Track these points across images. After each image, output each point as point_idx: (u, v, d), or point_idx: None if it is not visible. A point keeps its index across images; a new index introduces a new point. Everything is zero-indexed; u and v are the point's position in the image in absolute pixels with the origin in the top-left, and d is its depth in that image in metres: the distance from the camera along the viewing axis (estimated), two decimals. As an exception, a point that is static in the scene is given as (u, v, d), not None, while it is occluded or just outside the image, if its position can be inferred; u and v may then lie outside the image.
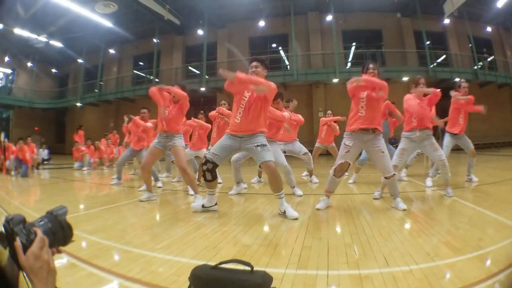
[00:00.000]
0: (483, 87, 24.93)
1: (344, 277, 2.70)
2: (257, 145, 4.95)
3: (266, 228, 4.43)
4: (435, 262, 2.91)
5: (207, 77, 25.75)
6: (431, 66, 23.71)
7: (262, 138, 5.05)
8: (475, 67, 24.52)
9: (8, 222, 1.08)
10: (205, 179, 5.15)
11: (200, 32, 27.16)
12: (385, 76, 22.70)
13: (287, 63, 27.05)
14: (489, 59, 26.21)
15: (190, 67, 28.79)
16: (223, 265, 2.00)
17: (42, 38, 28.32)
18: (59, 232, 1.17)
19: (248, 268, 1.97)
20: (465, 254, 3.09)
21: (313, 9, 25.80)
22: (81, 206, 6.46)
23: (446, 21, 24.20)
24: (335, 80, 23.25)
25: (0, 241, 1.07)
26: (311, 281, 2.64)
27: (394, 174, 5.41)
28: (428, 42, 24.12)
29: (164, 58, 29.24)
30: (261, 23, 25.98)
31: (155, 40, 27.62)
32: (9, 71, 32.86)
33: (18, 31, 25.67)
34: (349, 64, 26.44)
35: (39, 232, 1.10)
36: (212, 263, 2.03)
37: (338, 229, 4.26)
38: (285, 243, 3.65)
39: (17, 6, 22.36)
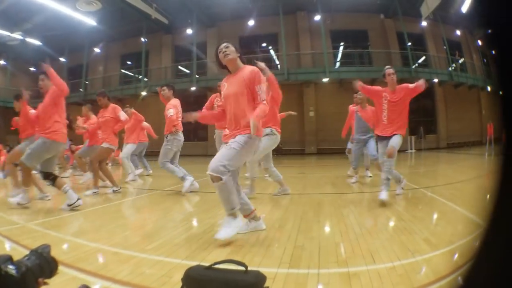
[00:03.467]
0: (457, 88, 26.03)
1: (334, 276, 2.73)
2: None
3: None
4: (415, 258, 3.03)
5: (197, 76, 25.69)
6: (413, 66, 24.37)
7: None
8: (450, 69, 25.34)
9: None
10: None
11: (189, 31, 27.11)
12: (372, 76, 23.12)
13: (277, 62, 27.11)
14: (460, 61, 27.06)
15: (180, 67, 28.73)
16: (217, 266, 1.99)
17: (17, 36, 27.43)
18: (46, 266, 1.26)
19: (242, 268, 1.96)
20: (440, 249, 3.22)
21: (301, 9, 25.95)
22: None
23: (424, 23, 24.80)
24: (325, 80, 23.39)
25: None
26: (302, 280, 2.65)
27: None
28: (409, 44, 24.80)
29: (152, 57, 29.13)
30: (251, 22, 26.02)
31: (142, 39, 27.41)
32: None
33: None
34: (338, 63, 26.60)
35: None
36: (205, 264, 2.01)
37: (329, 228, 4.28)
38: (277, 243, 3.63)
39: None
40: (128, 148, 10.38)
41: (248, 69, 4.03)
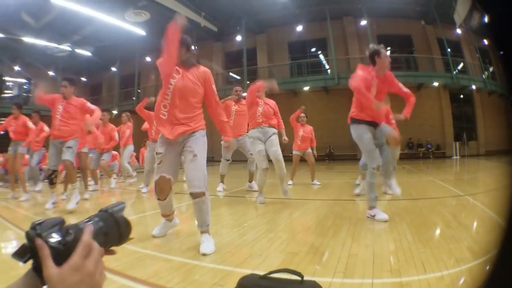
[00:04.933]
0: (490, 96, 25.76)
1: (387, 285, 2.66)
2: None
3: (312, 235, 4.32)
4: (460, 267, 2.96)
5: (248, 82, 25.86)
6: (454, 72, 24.24)
7: None
8: (483, 76, 25.08)
9: (34, 228, 0.81)
10: None
11: (238, 38, 27.36)
12: (419, 80, 22.84)
13: (327, 67, 26.96)
14: (490, 69, 26.33)
15: (231, 73, 29.01)
16: (272, 275, 1.94)
17: (65, 47, 28.22)
18: (114, 231, 0.95)
19: (298, 278, 1.90)
20: (479, 258, 3.06)
21: (347, 14, 25.83)
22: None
23: (458, 30, 24.56)
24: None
25: (19, 255, 0.81)
26: (356, 290, 2.57)
27: None
28: (449, 50, 24.58)
29: (204, 65, 29.29)
30: (299, 28, 26.07)
31: (193, 47, 27.67)
32: (23, 80, 32.77)
33: (29, 40, 25.33)
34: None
35: (86, 236, 0.84)
36: (258, 272, 1.97)
37: (383, 236, 4.15)
38: (331, 251, 3.54)
39: (22, 15, 21.98)
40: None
41: None
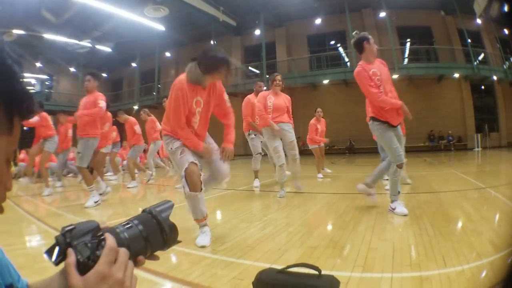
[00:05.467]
0: None
1: (406, 280, 2.63)
2: None
3: (332, 229, 4.33)
4: (481, 260, 2.93)
5: (267, 76, 25.86)
6: (475, 63, 23.68)
7: None
8: (504, 66, 24.52)
9: (64, 234, 0.75)
10: None
11: (257, 32, 27.34)
12: (440, 72, 22.48)
13: (346, 60, 26.85)
14: (511, 59, 25.85)
15: (250, 67, 29.03)
16: (289, 269, 1.94)
17: (86, 43, 28.53)
18: (156, 235, 0.87)
19: (315, 272, 1.91)
20: (502, 251, 3.02)
21: (365, 6, 25.60)
22: (139, 209, 6.62)
23: (478, 21, 24.01)
24: (395, 76, 22.90)
25: (50, 254, 0.75)
26: (375, 285, 2.57)
27: None
28: (469, 40, 24.02)
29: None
30: (318, 21, 25.96)
31: (212, 42, 27.78)
32: (44, 77, 33.45)
33: (49, 36, 25.63)
34: (405, 60, 26.02)
35: (109, 241, 0.77)
36: (277, 266, 1.97)
37: (403, 230, 4.11)
38: (351, 245, 3.54)
39: (42, 12, 22.25)
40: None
41: None
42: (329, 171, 10.16)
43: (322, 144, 10.14)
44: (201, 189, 3.69)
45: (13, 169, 13.19)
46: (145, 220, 0.87)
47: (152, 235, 0.86)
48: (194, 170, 3.65)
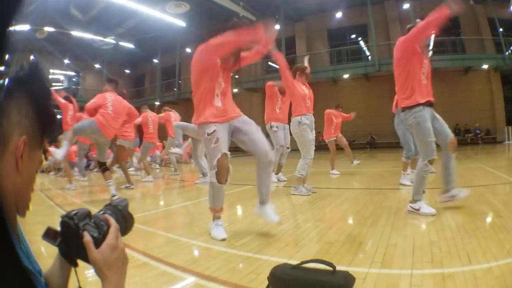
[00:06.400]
0: None
1: (427, 277, 2.55)
2: None
3: (350, 224, 4.29)
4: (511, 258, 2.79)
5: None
6: (506, 53, 22.79)
7: None
8: None
9: (71, 217, 0.98)
10: None
11: (277, 26, 27.29)
12: (466, 64, 21.92)
13: (367, 53, 26.61)
14: None
15: (269, 62, 29.00)
16: (304, 265, 1.94)
17: (110, 40, 29.03)
18: (121, 223, 1.10)
19: (330, 268, 1.89)
20: None
21: (388, -2, 25.14)
22: (161, 203, 6.70)
23: None
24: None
25: (51, 238, 0.98)
26: (394, 281, 2.50)
27: None
28: (501, 29, 23.12)
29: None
30: (338, 15, 25.75)
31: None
32: (72, 73, 34.15)
33: (77, 34, 26.19)
34: (430, 52, 25.58)
35: (113, 221, 1.04)
36: (293, 261, 1.96)
37: (424, 226, 4.04)
38: (369, 241, 3.49)
39: (71, 9, 22.79)
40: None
41: None
42: (357, 162, 9.92)
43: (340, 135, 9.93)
44: (226, 181, 3.76)
45: (44, 163, 13.88)
46: (113, 211, 1.11)
47: (119, 221, 1.08)
48: (224, 163, 3.67)
